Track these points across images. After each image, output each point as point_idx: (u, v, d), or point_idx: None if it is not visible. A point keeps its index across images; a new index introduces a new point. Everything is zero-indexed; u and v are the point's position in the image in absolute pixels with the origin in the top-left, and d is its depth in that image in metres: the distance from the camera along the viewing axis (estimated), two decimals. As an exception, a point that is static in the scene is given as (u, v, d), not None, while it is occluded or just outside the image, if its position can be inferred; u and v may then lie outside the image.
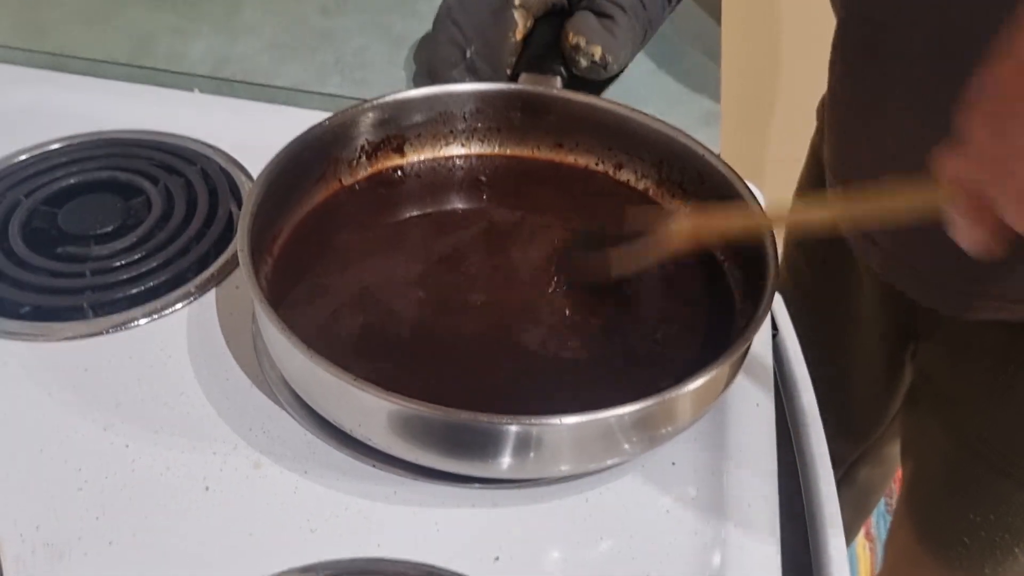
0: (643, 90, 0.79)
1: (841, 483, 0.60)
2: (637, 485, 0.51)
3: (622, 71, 0.78)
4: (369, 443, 0.49)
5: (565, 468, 0.48)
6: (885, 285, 0.71)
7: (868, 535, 1.53)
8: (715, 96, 0.78)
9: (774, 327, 0.67)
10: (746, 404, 0.56)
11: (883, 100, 0.60)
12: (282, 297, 0.56)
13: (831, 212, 0.58)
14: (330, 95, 0.77)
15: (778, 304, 0.71)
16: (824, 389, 0.65)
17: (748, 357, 0.54)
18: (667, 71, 0.81)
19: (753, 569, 0.48)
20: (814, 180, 0.81)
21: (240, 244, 0.51)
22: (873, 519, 1.55)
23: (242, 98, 0.79)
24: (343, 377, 0.45)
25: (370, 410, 0.46)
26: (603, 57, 0.72)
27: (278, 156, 0.58)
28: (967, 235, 0.40)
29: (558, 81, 0.71)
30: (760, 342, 0.60)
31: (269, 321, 0.48)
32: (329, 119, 0.62)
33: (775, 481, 0.52)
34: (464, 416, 0.44)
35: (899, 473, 0.90)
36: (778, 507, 0.51)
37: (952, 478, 0.72)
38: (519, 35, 0.74)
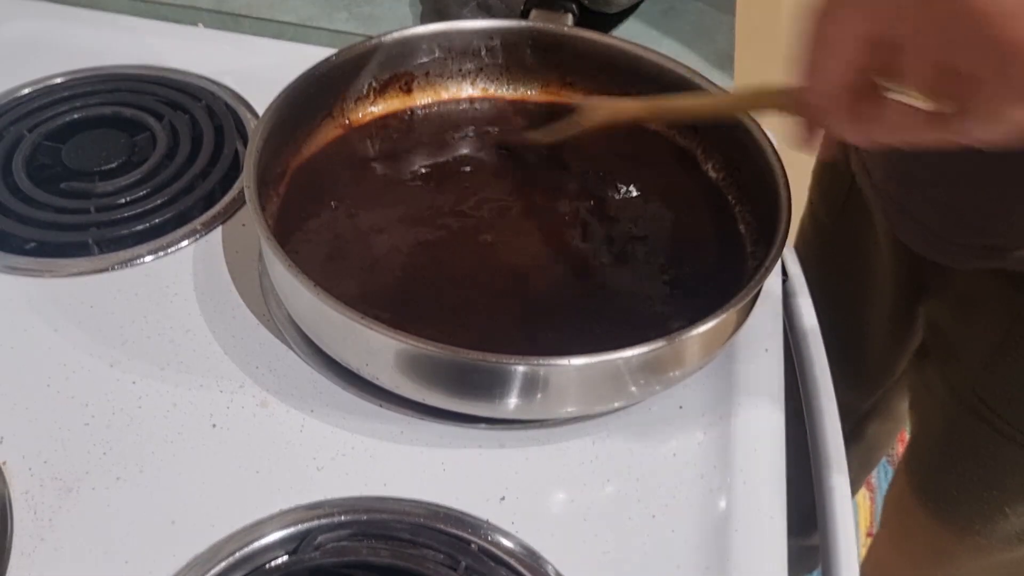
0: (656, 30, 0.77)
1: (850, 437, 0.60)
2: (644, 429, 0.51)
3: (634, 7, 0.76)
4: (376, 382, 0.49)
5: (572, 409, 0.48)
6: (898, 240, 0.70)
7: (868, 485, 1.54)
8: (729, 38, 0.77)
9: (784, 273, 0.66)
10: (755, 349, 0.55)
11: None
12: (289, 235, 0.55)
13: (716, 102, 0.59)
14: (337, 31, 0.76)
15: (788, 251, 0.70)
16: (838, 340, 0.65)
17: (758, 303, 0.54)
18: (682, 10, 0.80)
19: (759, 513, 0.48)
20: None
21: (246, 180, 0.51)
22: (874, 470, 1.56)
23: (247, 33, 0.77)
24: (350, 315, 0.45)
25: (377, 349, 0.46)
26: None
27: (284, 92, 0.57)
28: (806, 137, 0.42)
29: (569, 18, 0.69)
30: (770, 288, 0.59)
31: (276, 258, 0.47)
32: (336, 55, 0.60)
33: (783, 426, 0.52)
34: (472, 356, 0.44)
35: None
36: (785, 452, 0.51)
37: (949, 433, 0.72)
38: None
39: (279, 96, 0.57)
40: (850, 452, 0.58)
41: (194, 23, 0.78)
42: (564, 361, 0.44)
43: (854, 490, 1.17)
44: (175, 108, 0.67)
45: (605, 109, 0.59)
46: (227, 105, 0.68)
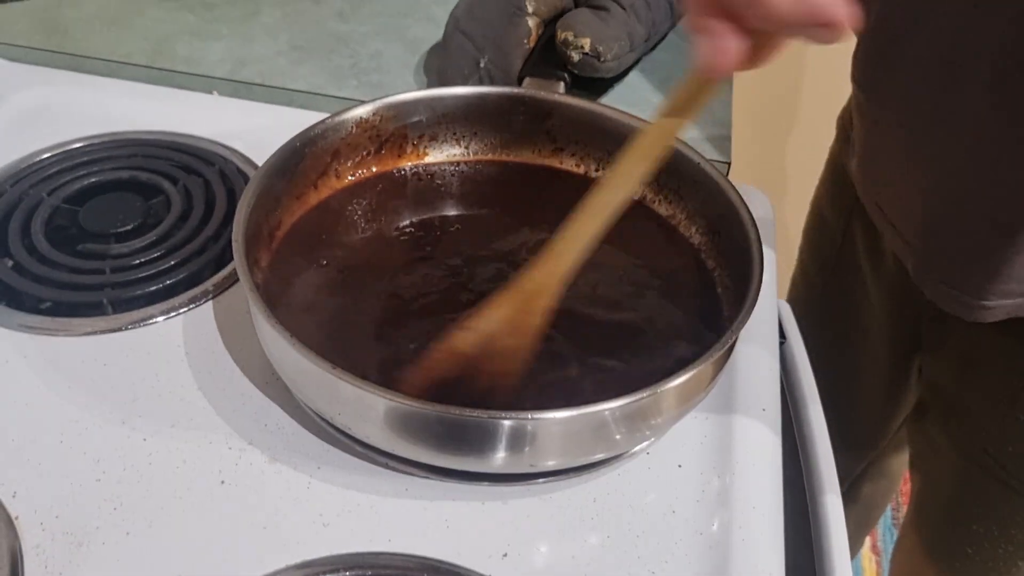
0: (653, 98, 0.80)
1: (845, 498, 0.60)
2: (644, 486, 0.52)
3: (625, 71, 0.78)
4: (366, 440, 0.50)
5: (557, 461, 0.49)
6: (893, 295, 0.71)
7: (874, 548, 1.54)
8: (727, 105, 0.79)
9: (782, 335, 0.68)
10: (753, 409, 0.57)
11: (903, 112, 0.60)
12: (280, 294, 0.56)
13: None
14: (345, 98, 0.79)
15: (787, 313, 0.72)
16: (830, 400, 0.66)
17: (755, 363, 0.55)
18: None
19: (757, 570, 0.48)
20: (834, 192, 0.81)
21: (235, 237, 0.52)
22: (879, 532, 1.56)
23: (259, 101, 0.80)
24: (330, 371, 0.46)
25: (362, 407, 0.47)
26: (593, 47, 0.73)
27: (278, 152, 0.59)
28: (713, 51, 0.41)
29: (561, 86, 0.72)
30: (767, 349, 0.61)
31: (262, 317, 0.48)
32: (329, 118, 0.63)
33: (780, 486, 0.53)
34: (456, 412, 0.45)
35: (905, 487, 0.90)
36: (783, 513, 0.52)
37: (958, 491, 0.72)
38: (532, 42, 0.75)
39: (273, 155, 0.59)
40: (846, 514, 0.58)
41: (208, 91, 0.80)
42: (543, 415, 0.45)
43: (853, 551, 1.17)
44: (189, 172, 0.69)
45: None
46: (239, 169, 0.70)
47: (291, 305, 0.56)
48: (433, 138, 0.68)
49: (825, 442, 0.62)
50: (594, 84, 0.78)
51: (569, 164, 0.68)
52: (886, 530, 1.56)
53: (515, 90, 0.69)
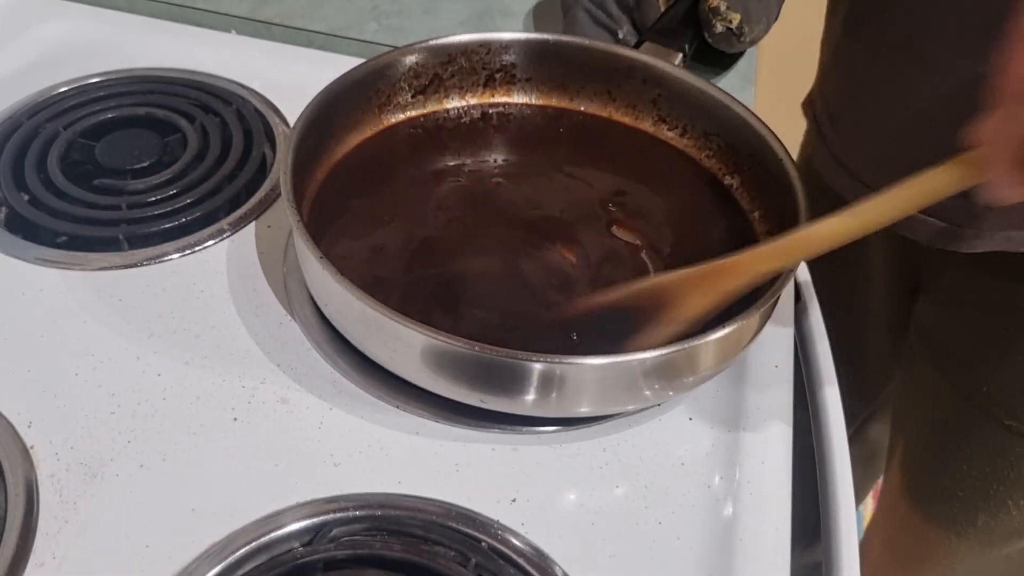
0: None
1: (851, 440, 0.60)
2: (654, 437, 0.52)
3: (751, 45, 0.76)
4: (400, 374, 0.50)
5: (586, 409, 0.49)
6: (893, 237, 0.71)
7: (875, 495, 1.55)
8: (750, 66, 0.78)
9: (797, 295, 0.67)
10: (766, 365, 0.57)
11: (881, 55, 0.60)
12: (320, 234, 0.57)
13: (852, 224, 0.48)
14: (366, 41, 0.78)
15: (802, 272, 0.71)
16: (838, 346, 0.66)
17: (769, 319, 0.54)
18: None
19: (764, 523, 0.49)
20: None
21: (283, 173, 0.52)
22: (880, 481, 1.56)
23: (278, 41, 0.79)
24: (378, 308, 0.46)
25: (405, 343, 0.47)
26: (740, 26, 0.71)
27: (321, 94, 0.58)
28: (1007, 192, 0.40)
29: (679, 57, 0.69)
30: (783, 305, 0.60)
31: (309, 252, 0.49)
32: (373, 59, 0.62)
33: (790, 440, 0.53)
34: (494, 352, 0.45)
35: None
36: (791, 466, 0.52)
37: (949, 431, 0.73)
38: (663, 5, 0.74)
39: (316, 97, 0.58)
40: (852, 455, 0.58)
41: (227, 30, 0.79)
42: (582, 360, 0.46)
43: (859, 498, 1.17)
44: (206, 111, 0.69)
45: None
46: (256, 110, 0.70)
47: (332, 245, 0.56)
48: (473, 84, 0.67)
49: (835, 397, 0.62)
50: (715, 55, 0.76)
51: (616, 114, 0.67)
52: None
53: (558, 38, 0.67)
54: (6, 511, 0.45)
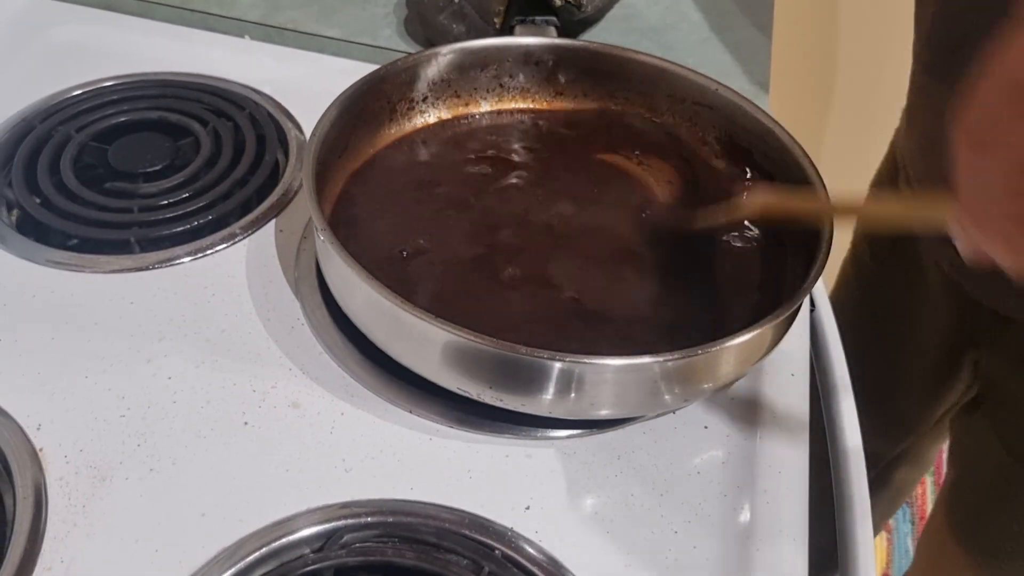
0: (691, 60, 0.78)
1: (877, 482, 0.60)
2: (669, 446, 0.51)
3: (599, 14, 0.79)
4: (418, 372, 0.50)
5: (604, 411, 0.49)
6: (951, 287, 0.70)
7: (886, 527, 1.53)
8: (765, 67, 0.78)
9: (812, 303, 0.67)
10: (781, 373, 0.56)
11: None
12: (340, 233, 0.56)
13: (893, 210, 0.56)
14: (379, 47, 0.78)
15: (818, 284, 0.71)
16: (874, 385, 0.65)
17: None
18: (719, 39, 0.81)
19: (781, 533, 0.48)
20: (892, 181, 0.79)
21: (305, 174, 0.53)
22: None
23: (292, 47, 0.79)
24: (400, 304, 0.46)
25: (425, 339, 0.47)
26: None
27: (343, 95, 0.58)
28: (965, 250, 0.39)
29: (553, 30, 0.72)
30: (799, 313, 0.60)
31: (332, 249, 0.49)
32: (392, 64, 0.62)
33: (807, 449, 0.52)
34: (514, 349, 0.45)
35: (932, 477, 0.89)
36: (808, 476, 0.51)
37: (1000, 487, 0.72)
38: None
39: (338, 97, 0.58)
40: (876, 497, 0.58)
41: (240, 35, 0.79)
42: (600, 360, 0.45)
43: (875, 531, 1.16)
44: (219, 115, 0.69)
45: (775, 199, 0.57)
46: (269, 115, 0.70)
47: (354, 246, 0.56)
48: (489, 89, 0.68)
49: (851, 407, 0.62)
50: (570, 25, 0.78)
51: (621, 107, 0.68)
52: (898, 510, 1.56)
53: (582, 44, 0.69)
54: (15, 514, 0.44)
